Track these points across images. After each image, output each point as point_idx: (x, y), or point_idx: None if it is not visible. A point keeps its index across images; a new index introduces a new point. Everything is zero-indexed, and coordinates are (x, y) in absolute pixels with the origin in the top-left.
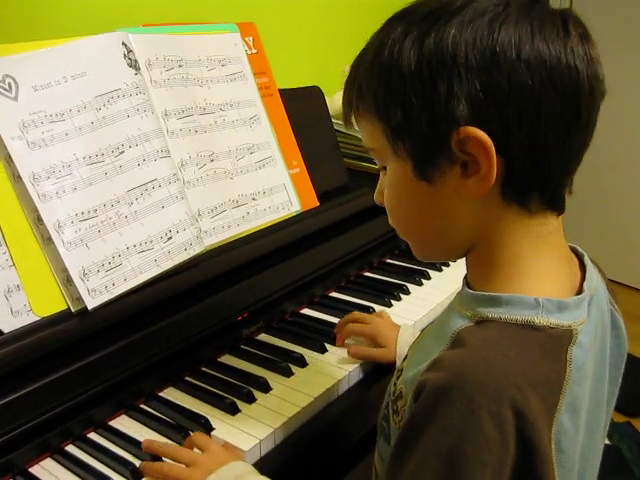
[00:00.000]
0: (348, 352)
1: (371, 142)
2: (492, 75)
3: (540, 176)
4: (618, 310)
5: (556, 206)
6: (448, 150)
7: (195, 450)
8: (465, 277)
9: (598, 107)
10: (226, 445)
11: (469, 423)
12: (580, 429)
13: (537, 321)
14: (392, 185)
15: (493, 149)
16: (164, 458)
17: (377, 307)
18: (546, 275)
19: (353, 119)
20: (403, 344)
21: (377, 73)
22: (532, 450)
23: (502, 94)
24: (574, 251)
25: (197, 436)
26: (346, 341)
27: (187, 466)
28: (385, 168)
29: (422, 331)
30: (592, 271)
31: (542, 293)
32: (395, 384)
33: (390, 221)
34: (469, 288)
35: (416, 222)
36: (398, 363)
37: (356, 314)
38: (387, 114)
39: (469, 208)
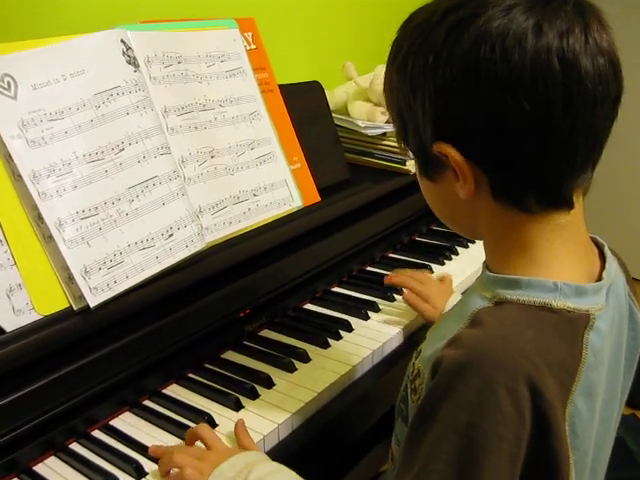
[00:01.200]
0: (404, 296)
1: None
2: (454, 98)
3: (524, 181)
4: (636, 303)
5: (559, 205)
6: (437, 158)
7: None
8: (484, 261)
9: (595, 105)
10: (240, 430)
11: (486, 399)
12: (595, 415)
13: (554, 304)
14: (417, 176)
15: (462, 162)
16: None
17: (380, 301)
18: (562, 263)
19: None
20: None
21: (387, 81)
22: (547, 428)
23: (464, 114)
24: (594, 241)
25: (200, 428)
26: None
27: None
28: None
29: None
30: (611, 261)
31: (560, 278)
32: (413, 364)
33: None
34: (489, 270)
35: (434, 207)
36: None
37: (415, 272)
38: (393, 118)
39: (468, 206)
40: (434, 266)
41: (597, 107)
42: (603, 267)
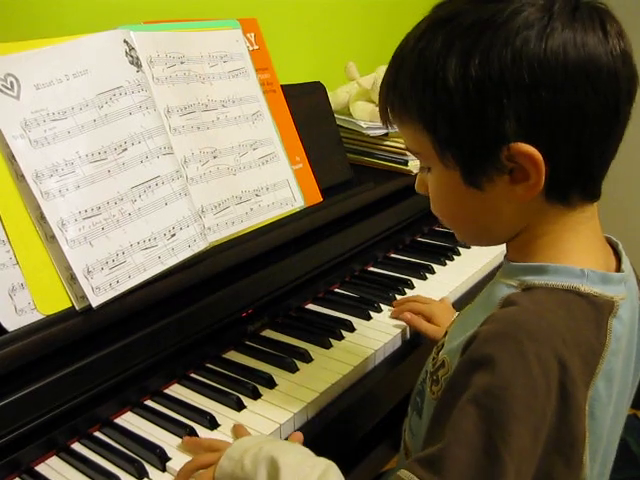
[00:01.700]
0: (403, 317)
1: (416, 147)
2: (539, 92)
3: (583, 176)
4: None
5: (595, 199)
6: (497, 162)
7: None
8: (505, 256)
9: (633, 101)
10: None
11: (519, 365)
12: (612, 401)
13: (582, 288)
14: (438, 188)
15: (542, 162)
16: None
17: (382, 302)
18: (588, 253)
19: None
20: None
21: (421, 84)
22: (570, 404)
23: (550, 110)
24: (608, 241)
25: (212, 442)
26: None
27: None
28: (428, 169)
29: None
30: (626, 258)
31: (586, 266)
32: (435, 358)
33: (434, 212)
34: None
35: (463, 219)
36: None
37: (418, 296)
38: (434, 126)
39: (515, 209)
40: (436, 266)
41: (633, 101)
42: (619, 262)
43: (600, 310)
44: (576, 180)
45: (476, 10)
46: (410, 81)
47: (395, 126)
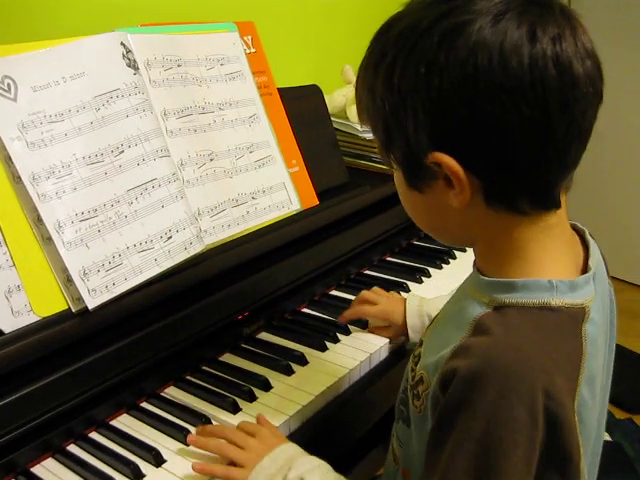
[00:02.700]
0: (368, 330)
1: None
2: (452, 106)
3: (519, 186)
4: (610, 283)
5: (550, 207)
6: (426, 168)
7: None
8: (474, 263)
9: (586, 107)
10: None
11: (500, 407)
12: (596, 399)
13: (553, 302)
14: (397, 187)
15: (461, 171)
16: None
17: None
18: (554, 261)
19: None
20: (412, 317)
21: (366, 89)
22: (559, 425)
23: (462, 123)
24: (574, 228)
25: (246, 424)
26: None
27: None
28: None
29: (435, 317)
30: (594, 247)
31: (553, 275)
32: (414, 369)
33: None
34: (480, 273)
35: (419, 219)
36: (412, 335)
37: (365, 294)
38: (376, 129)
39: (459, 214)
40: (432, 270)
41: (588, 109)
42: (587, 255)
43: (574, 320)
44: (515, 189)
45: (409, 16)
46: (362, 88)
47: None
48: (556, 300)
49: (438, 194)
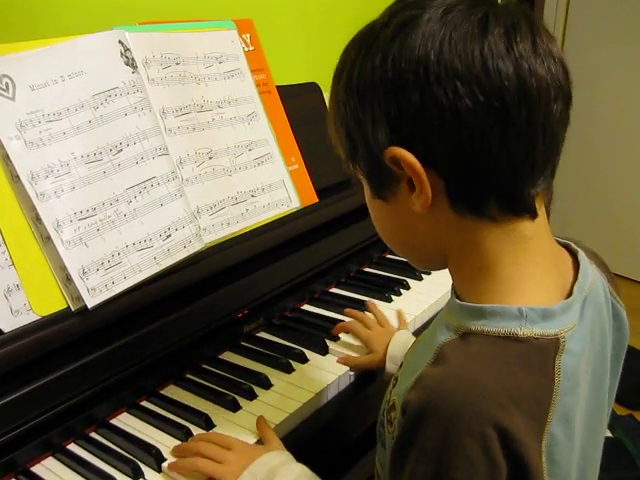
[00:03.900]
0: (337, 360)
1: None
2: (406, 94)
3: (484, 186)
4: (620, 302)
5: (521, 212)
6: (387, 170)
7: None
8: (452, 285)
9: (548, 100)
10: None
11: (451, 447)
12: (575, 437)
13: (520, 333)
14: (367, 201)
15: (419, 166)
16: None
17: (377, 302)
18: (528, 282)
19: None
20: (395, 348)
21: (332, 100)
22: (521, 465)
23: (417, 112)
24: (567, 247)
25: (215, 435)
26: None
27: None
28: None
29: (416, 339)
30: (587, 268)
31: (526, 301)
32: (390, 393)
33: None
34: (457, 297)
35: (387, 236)
36: (388, 366)
37: (366, 317)
38: (341, 140)
39: (426, 222)
40: None
41: (551, 102)
42: (577, 277)
43: (544, 353)
44: (479, 190)
45: (377, 19)
46: (330, 101)
47: None
48: (524, 330)
49: (402, 201)
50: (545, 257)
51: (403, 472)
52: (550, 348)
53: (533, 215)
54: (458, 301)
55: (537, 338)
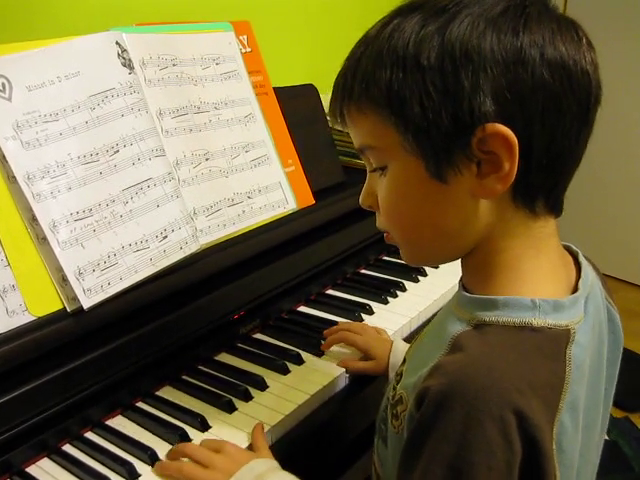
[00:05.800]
0: (338, 363)
1: (371, 140)
2: (517, 72)
3: (551, 180)
4: (614, 306)
5: (558, 211)
6: (467, 148)
7: None
8: (461, 280)
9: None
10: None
11: (471, 430)
12: (579, 427)
13: (535, 322)
14: (397, 185)
15: (517, 147)
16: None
17: (373, 304)
18: (543, 276)
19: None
20: (397, 355)
21: (389, 65)
22: (537, 450)
23: (527, 91)
24: (568, 249)
25: (207, 441)
26: (340, 349)
27: (205, 467)
28: (382, 169)
29: (419, 333)
30: (587, 269)
31: (539, 294)
32: (395, 388)
33: (385, 224)
34: (466, 291)
35: (422, 224)
36: (391, 375)
37: (351, 324)
38: (401, 108)
39: (480, 210)
40: (428, 268)
41: (596, 111)
42: (579, 276)
43: (557, 342)
44: (544, 184)
45: None
46: (375, 65)
47: (348, 122)
48: (538, 320)
49: (465, 183)
50: (557, 255)
51: (420, 457)
52: (562, 338)
53: (560, 214)
54: (467, 294)
55: (550, 328)
